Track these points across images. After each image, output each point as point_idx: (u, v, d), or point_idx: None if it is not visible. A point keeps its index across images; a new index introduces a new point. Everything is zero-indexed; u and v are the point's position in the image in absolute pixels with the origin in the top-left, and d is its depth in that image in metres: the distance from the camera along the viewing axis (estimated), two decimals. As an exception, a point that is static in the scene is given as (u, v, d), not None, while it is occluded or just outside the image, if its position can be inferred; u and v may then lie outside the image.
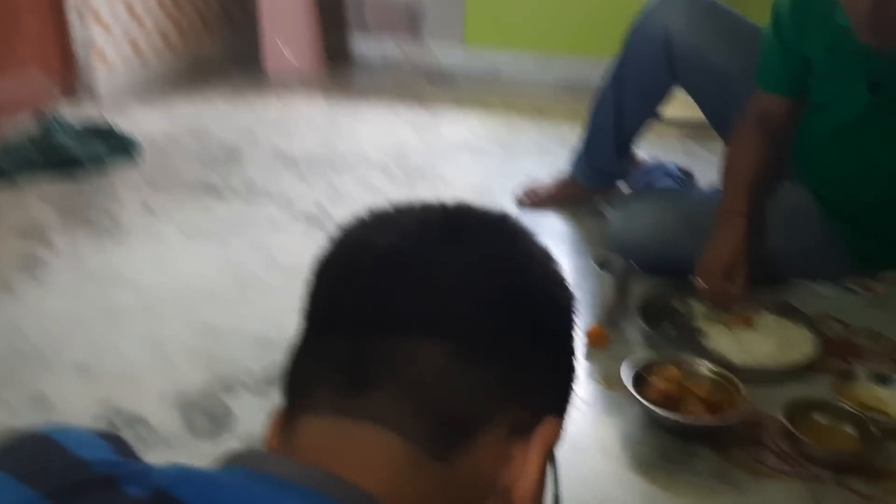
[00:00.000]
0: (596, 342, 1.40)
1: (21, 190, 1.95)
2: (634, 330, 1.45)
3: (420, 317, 0.44)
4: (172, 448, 1.12)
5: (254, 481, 0.39)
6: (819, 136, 1.52)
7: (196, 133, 2.41)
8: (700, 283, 1.46)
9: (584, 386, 1.30)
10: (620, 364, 1.26)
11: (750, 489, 1.09)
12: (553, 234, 1.84)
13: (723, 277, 1.44)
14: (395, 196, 2.01)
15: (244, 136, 2.39)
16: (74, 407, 1.19)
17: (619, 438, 1.19)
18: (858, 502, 1.08)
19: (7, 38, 2.38)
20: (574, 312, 0.51)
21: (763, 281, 1.52)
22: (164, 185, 2.02)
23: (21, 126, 2.25)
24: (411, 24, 3.28)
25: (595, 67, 2.95)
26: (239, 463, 0.42)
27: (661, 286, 1.56)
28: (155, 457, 1.08)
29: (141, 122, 2.47)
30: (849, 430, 1.17)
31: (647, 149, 2.12)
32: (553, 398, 0.48)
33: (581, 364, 1.33)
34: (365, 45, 3.37)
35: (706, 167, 2.19)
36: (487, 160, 2.30)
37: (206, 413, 1.19)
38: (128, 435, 1.13)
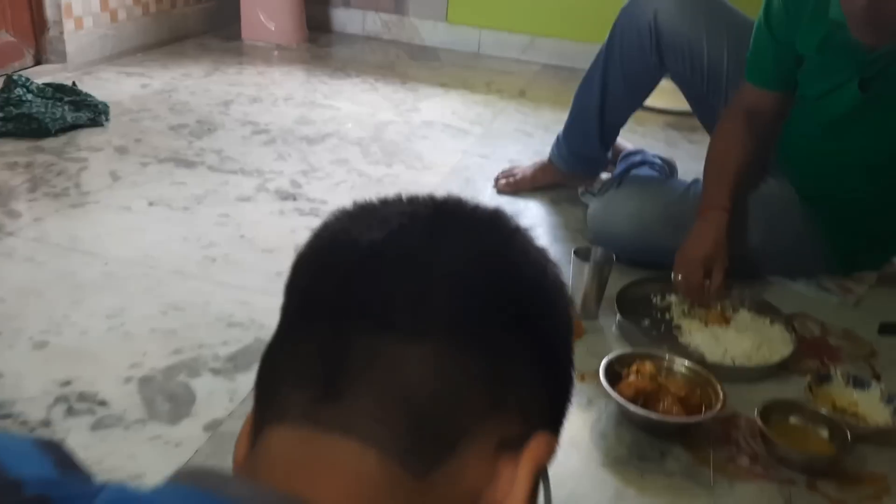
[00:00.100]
0: (571, 333, 1.37)
1: (-18, 153, 1.88)
2: (610, 322, 1.43)
3: (402, 317, 0.40)
4: (130, 430, 1.08)
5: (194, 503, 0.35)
6: (805, 132, 1.50)
7: (169, 101, 2.34)
8: (678, 277, 1.44)
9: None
10: (595, 357, 1.24)
11: (722, 490, 1.08)
12: (530, 219, 1.81)
13: (701, 272, 1.42)
14: (372, 174, 1.97)
15: (219, 107, 2.32)
16: (29, 384, 1.14)
17: (590, 433, 1.16)
18: (830, 507, 1.07)
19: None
20: (571, 320, 0.47)
21: (740, 276, 1.50)
22: (133, 153, 1.96)
23: (-15, 86, 2.16)
24: (395, 0, 3.21)
25: (579, 51, 2.93)
26: (183, 480, 0.38)
27: (639, 278, 1.53)
28: (112, 440, 1.05)
29: (112, 86, 2.39)
30: (823, 433, 1.16)
31: (629, 137, 2.09)
32: (546, 411, 0.44)
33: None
34: (347, 20, 3.30)
35: (687, 157, 2.18)
36: (467, 141, 2.26)
37: (167, 395, 1.15)
38: (84, 415, 1.09)
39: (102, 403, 1.12)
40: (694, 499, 1.06)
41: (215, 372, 1.21)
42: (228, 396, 1.16)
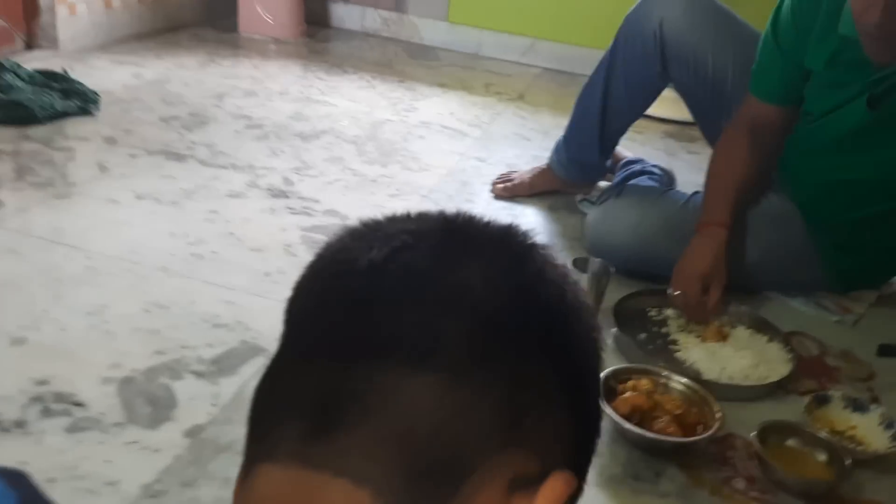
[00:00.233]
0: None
1: (-33, 139, 1.83)
2: (606, 335, 1.40)
3: (400, 346, 0.36)
4: (107, 434, 1.04)
5: None
6: (810, 148, 1.48)
7: (161, 92, 2.29)
8: (675, 292, 1.41)
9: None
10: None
11: (717, 515, 1.05)
12: (526, 226, 1.78)
13: (699, 288, 1.39)
14: (366, 173, 1.93)
15: (212, 100, 2.28)
16: (4, 382, 1.10)
17: (584, 451, 1.13)
18: (827, 535, 1.04)
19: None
20: (598, 345, 0.43)
21: (738, 292, 1.48)
22: (122, 144, 1.91)
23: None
24: (395, -4, 3.17)
25: (579, 56, 2.90)
26: None
27: (636, 290, 1.50)
28: (88, 443, 1.01)
29: (104, 75, 2.34)
30: (821, 457, 1.14)
31: (627, 145, 2.06)
32: (568, 447, 0.40)
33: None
34: (346, 15, 3.26)
35: (687, 167, 2.15)
36: (464, 142, 2.23)
37: (148, 397, 1.11)
38: (60, 416, 1.05)
39: (79, 405, 1.08)
40: (688, 523, 1.03)
41: (198, 375, 1.17)
42: (211, 401, 1.12)
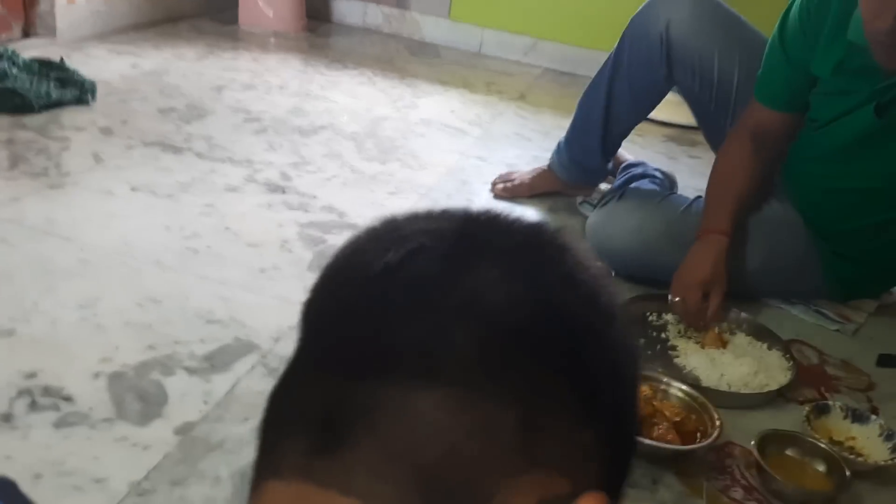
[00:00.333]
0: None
1: (-39, 126, 1.81)
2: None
3: (411, 357, 0.34)
4: (96, 430, 1.02)
5: None
6: (814, 155, 1.46)
7: (159, 83, 2.27)
8: (675, 299, 1.40)
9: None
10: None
11: (715, 524, 1.03)
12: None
13: (699, 295, 1.38)
14: (365, 170, 1.91)
15: (210, 93, 2.26)
16: (-8, 374, 1.08)
17: (580, 456, 1.11)
18: (826, 547, 1.02)
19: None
20: (633, 354, 0.39)
21: (738, 298, 1.46)
22: (118, 135, 1.89)
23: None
24: (397, -8, 3.15)
25: (581, 57, 2.89)
26: None
27: (635, 295, 1.49)
28: (76, 439, 0.99)
29: (101, 65, 2.32)
30: (820, 467, 1.12)
31: (628, 148, 2.04)
32: (600, 465, 0.36)
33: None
34: (347, 10, 3.24)
35: (688, 171, 2.14)
36: (464, 141, 2.21)
37: (138, 393, 1.09)
38: (48, 411, 1.03)
39: (68, 399, 1.06)
40: (686, 532, 1.02)
41: (190, 371, 1.15)
42: (203, 398, 1.10)
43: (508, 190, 1.88)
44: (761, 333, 1.43)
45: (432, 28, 3.14)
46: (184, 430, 1.04)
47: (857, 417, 1.23)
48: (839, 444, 1.19)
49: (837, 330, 1.53)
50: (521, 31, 3.06)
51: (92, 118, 1.95)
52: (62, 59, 2.15)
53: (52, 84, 1.99)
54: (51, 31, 2.44)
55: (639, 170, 1.88)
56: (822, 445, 1.14)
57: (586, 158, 1.79)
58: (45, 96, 1.93)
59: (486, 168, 2.04)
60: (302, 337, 0.38)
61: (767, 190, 1.54)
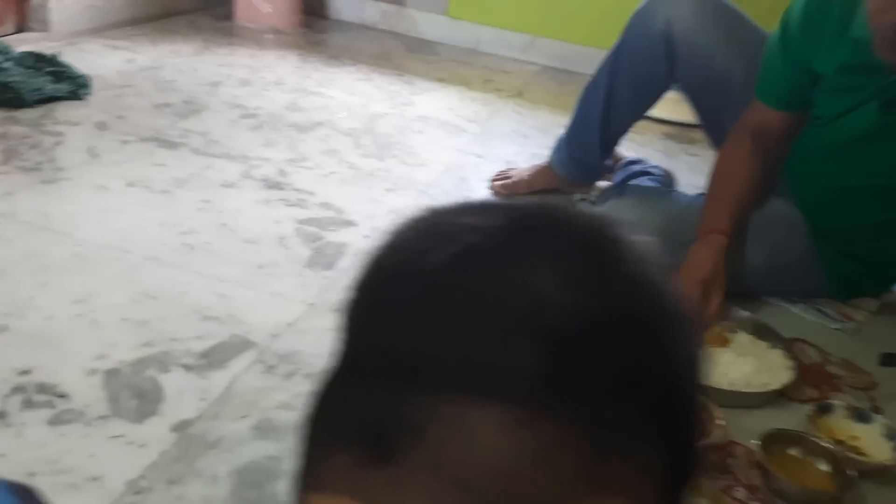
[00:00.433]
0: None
1: (-46, 120, 1.79)
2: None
3: (467, 370, 0.31)
4: (91, 427, 1.00)
5: None
6: (816, 153, 1.45)
7: (155, 78, 2.25)
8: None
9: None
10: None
11: (718, 524, 1.02)
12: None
13: (700, 293, 1.37)
14: (363, 167, 1.90)
15: (207, 88, 2.24)
16: (-15, 370, 1.06)
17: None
18: (830, 547, 1.01)
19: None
20: (699, 364, 0.36)
21: (739, 297, 1.45)
22: (113, 130, 1.87)
23: (-38, 50, 2.06)
24: (394, -11, 3.14)
25: (579, 55, 2.87)
26: None
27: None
28: (71, 436, 0.97)
29: (96, 59, 2.29)
30: (824, 467, 1.11)
31: (626, 146, 2.03)
32: (661, 485, 0.33)
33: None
34: (344, 7, 3.22)
35: (687, 169, 2.13)
36: (462, 138, 2.20)
37: (134, 390, 1.07)
38: (43, 408, 1.01)
39: (63, 396, 1.04)
40: (689, 532, 1.00)
41: (187, 368, 1.13)
42: (199, 395, 1.08)
43: (507, 187, 1.87)
44: (763, 332, 1.42)
45: (430, 25, 3.12)
46: (181, 427, 1.02)
47: (861, 417, 1.22)
48: (842, 443, 1.18)
49: (838, 329, 1.52)
50: (518, 28, 3.05)
51: (87, 113, 1.93)
52: (56, 53, 2.12)
53: (46, 78, 1.97)
54: (44, 26, 2.42)
55: (637, 167, 1.88)
56: (826, 445, 1.13)
57: (586, 155, 1.78)
58: (38, 91, 1.91)
59: (484, 165, 2.02)
60: (343, 339, 0.36)
61: (769, 188, 1.53)
